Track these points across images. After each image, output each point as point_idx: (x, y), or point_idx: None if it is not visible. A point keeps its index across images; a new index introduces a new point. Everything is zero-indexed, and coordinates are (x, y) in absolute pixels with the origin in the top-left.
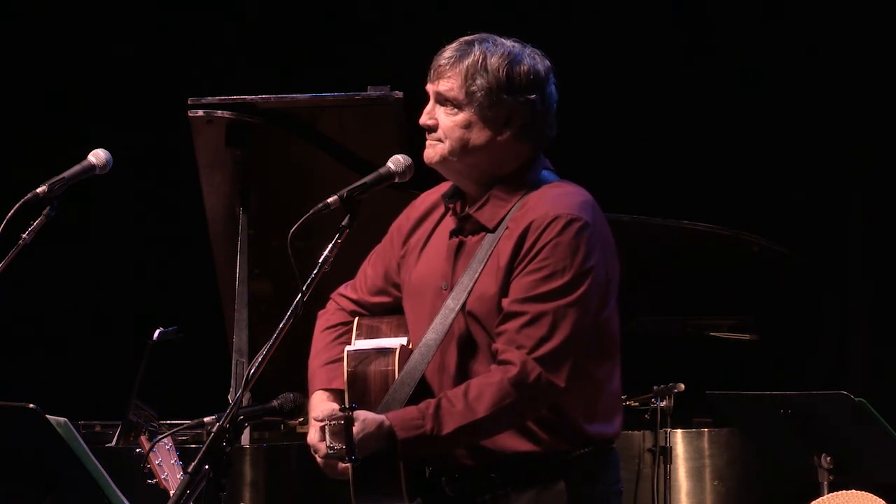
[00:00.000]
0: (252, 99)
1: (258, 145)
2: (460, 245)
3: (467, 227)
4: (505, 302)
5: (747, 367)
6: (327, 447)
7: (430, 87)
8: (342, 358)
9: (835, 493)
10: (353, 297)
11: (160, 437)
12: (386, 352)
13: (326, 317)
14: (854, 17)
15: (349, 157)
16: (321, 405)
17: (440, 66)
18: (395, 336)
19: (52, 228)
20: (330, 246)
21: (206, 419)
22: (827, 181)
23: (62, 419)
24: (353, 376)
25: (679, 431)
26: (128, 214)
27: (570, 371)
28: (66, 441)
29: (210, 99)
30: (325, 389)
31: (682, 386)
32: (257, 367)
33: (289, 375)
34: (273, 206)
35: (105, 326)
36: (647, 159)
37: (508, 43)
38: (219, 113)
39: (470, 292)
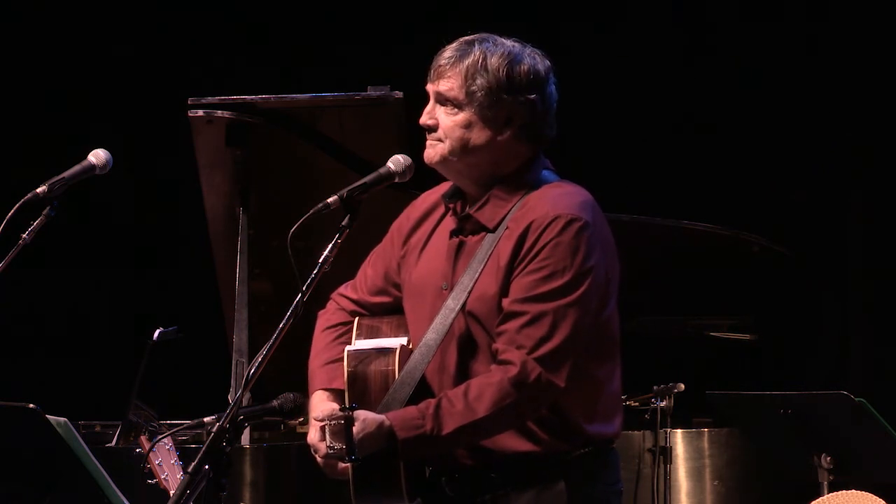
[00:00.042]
0: (252, 99)
1: (258, 145)
2: (460, 245)
3: (467, 227)
4: (505, 302)
5: (747, 367)
6: (327, 447)
7: (430, 87)
8: (342, 358)
9: (835, 493)
10: (354, 297)
11: (160, 437)
12: (386, 352)
13: (326, 317)
14: (854, 17)
15: (349, 157)
16: (321, 405)
17: (440, 65)
18: (396, 336)
19: (52, 228)
20: (330, 246)
21: (206, 419)
22: (827, 181)
23: (62, 419)
24: (353, 376)
25: (679, 431)
26: (128, 214)
27: (570, 371)
28: (66, 441)
29: (210, 99)
30: (326, 389)
31: (682, 386)
32: (257, 367)
33: (289, 375)
34: (273, 206)
35: (105, 326)
36: (647, 159)
37: (508, 43)
38: (219, 113)
39: (470, 292)
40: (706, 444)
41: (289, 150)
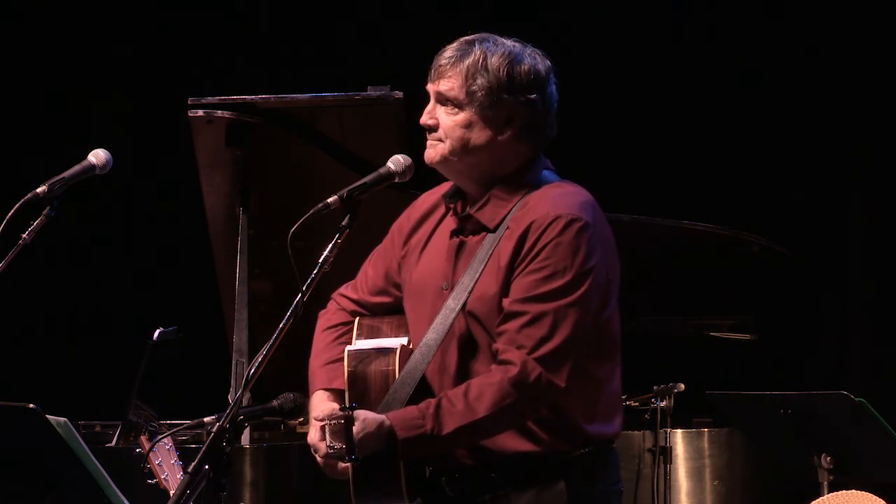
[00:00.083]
0: (252, 99)
1: (258, 145)
2: (461, 245)
3: (468, 227)
4: (505, 302)
5: (747, 367)
6: (327, 447)
7: (430, 87)
8: (343, 358)
9: (835, 493)
10: (354, 297)
11: (160, 437)
12: (386, 352)
13: (327, 317)
14: (854, 17)
15: (349, 157)
16: (321, 405)
17: (441, 65)
18: (396, 336)
19: (52, 228)
20: (330, 246)
21: (206, 419)
22: (827, 181)
23: (62, 419)
24: (353, 376)
25: (679, 431)
26: (128, 214)
27: (570, 371)
28: (66, 441)
29: (210, 99)
30: (326, 389)
31: (682, 386)
32: (257, 367)
33: (289, 375)
34: (273, 206)
35: (105, 326)
36: (647, 159)
37: (509, 43)
38: (219, 113)
39: (470, 292)
40: (706, 444)
41: (289, 150)
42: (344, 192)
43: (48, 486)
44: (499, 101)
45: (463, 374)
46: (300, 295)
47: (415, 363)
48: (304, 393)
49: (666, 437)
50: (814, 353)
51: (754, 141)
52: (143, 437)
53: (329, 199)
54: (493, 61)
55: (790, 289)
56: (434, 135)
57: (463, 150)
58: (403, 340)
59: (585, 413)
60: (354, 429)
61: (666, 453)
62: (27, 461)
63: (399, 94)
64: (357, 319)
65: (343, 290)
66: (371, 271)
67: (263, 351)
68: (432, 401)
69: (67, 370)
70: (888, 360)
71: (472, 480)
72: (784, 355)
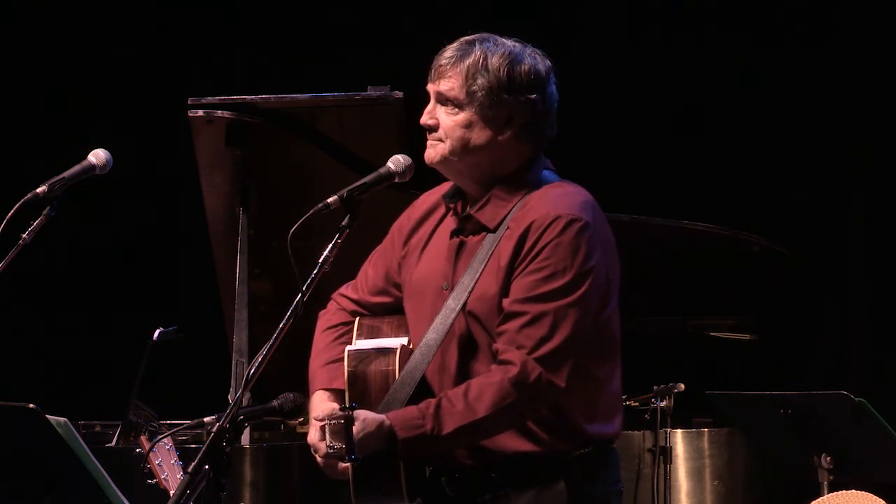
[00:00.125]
0: (252, 99)
1: (258, 145)
2: (461, 245)
3: (468, 227)
4: (505, 302)
5: (747, 367)
6: (327, 447)
7: (430, 87)
8: (343, 358)
9: (835, 493)
10: (354, 297)
11: (160, 437)
12: (386, 352)
13: (327, 317)
14: (854, 17)
15: (349, 157)
16: (321, 405)
17: (441, 65)
18: (396, 336)
19: (52, 228)
20: (330, 246)
21: (206, 419)
22: (827, 181)
23: (62, 419)
24: (353, 376)
25: (679, 431)
26: (128, 214)
27: (570, 371)
28: (66, 441)
29: (210, 99)
30: (326, 389)
31: (682, 386)
32: (257, 367)
33: (289, 375)
34: (273, 206)
35: (105, 327)
36: (647, 159)
37: (509, 43)
38: (219, 113)
39: (471, 292)
40: (706, 444)
41: (289, 150)
42: (344, 192)
43: (48, 486)
44: (499, 100)
45: (463, 374)
46: (300, 295)
47: (415, 363)
48: (304, 393)
49: (666, 437)
50: (814, 353)
51: (754, 141)
52: (143, 437)
53: (329, 199)
54: (494, 61)
55: (790, 289)
56: (434, 135)
57: (463, 150)
58: (403, 340)
59: (585, 413)
60: (354, 429)
61: (666, 453)
62: (27, 461)
63: (399, 94)
64: (357, 319)
65: (343, 290)
66: (371, 271)
67: (263, 351)
68: (432, 401)
69: (67, 370)
70: (888, 360)
71: (472, 480)
72: (784, 355)
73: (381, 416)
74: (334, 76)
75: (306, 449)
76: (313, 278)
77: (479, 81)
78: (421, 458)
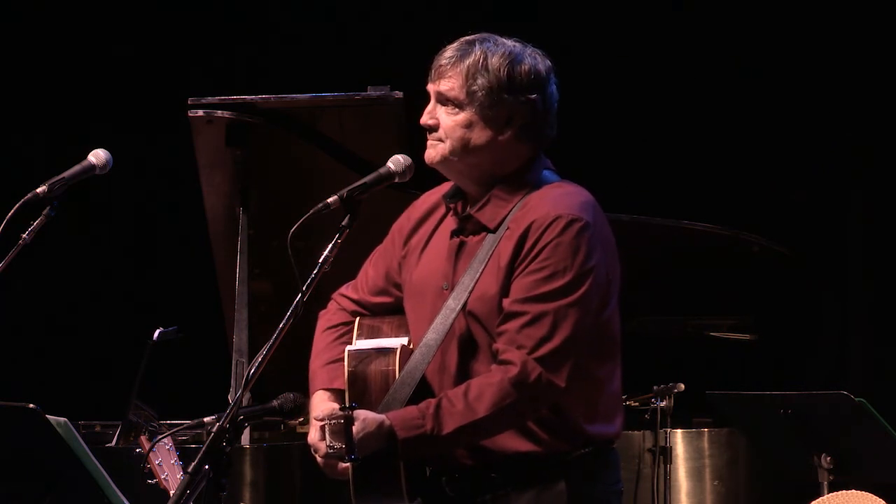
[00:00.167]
0: (252, 99)
1: (258, 145)
2: (461, 245)
3: (468, 228)
4: (506, 302)
5: (747, 367)
6: (327, 447)
7: (430, 87)
8: (343, 358)
9: (835, 493)
10: (355, 297)
11: (160, 437)
12: (386, 352)
13: (328, 317)
14: (854, 17)
15: (349, 157)
16: (322, 405)
17: (441, 65)
18: (396, 336)
19: (52, 228)
20: (330, 246)
21: (206, 419)
22: (827, 181)
23: (62, 419)
24: (353, 376)
25: (679, 431)
26: (128, 214)
27: (570, 371)
28: (66, 441)
29: (210, 99)
30: (326, 389)
31: (682, 386)
32: (257, 367)
33: (289, 375)
34: (273, 206)
35: (105, 327)
36: (647, 159)
37: (509, 43)
38: (219, 113)
39: (471, 292)
40: (706, 444)
41: (289, 150)
42: (344, 192)
43: (48, 486)
44: (499, 101)
45: (463, 374)
46: (300, 295)
47: (415, 363)
48: (304, 393)
49: (666, 437)
50: (814, 353)
51: (754, 141)
52: (143, 437)
53: (329, 199)
54: (494, 61)
55: (790, 289)
56: (434, 135)
57: (463, 150)
58: (404, 340)
59: (586, 413)
60: (354, 429)
61: (666, 453)
62: (27, 461)
63: (399, 94)
64: (357, 319)
65: (343, 290)
66: (371, 271)
67: (263, 351)
68: (432, 401)
69: (67, 370)
70: (888, 360)
71: (473, 480)
72: (784, 355)
73: (381, 416)
74: (334, 76)
75: (306, 449)
76: (313, 278)
77: (480, 81)
78: (421, 458)
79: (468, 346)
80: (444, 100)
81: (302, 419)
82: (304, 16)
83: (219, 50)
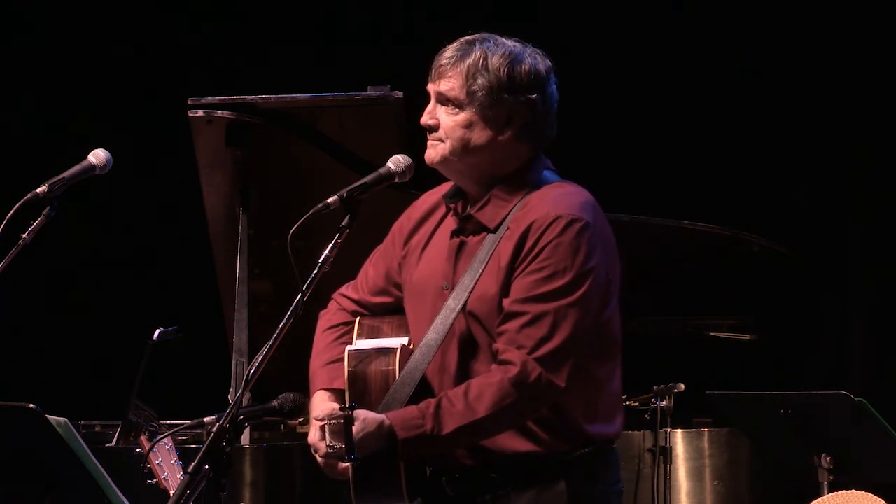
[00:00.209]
0: (252, 99)
1: (258, 145)
2: (461, 245)
3: (468, 228)
4: (506, 302)
5: (747, 367)
6: (327, 447)
7: (431, 87)
8: (343, 358)
9: (835, 493)
10: (355, 297)
11: (160, 437)
12: (387, 351)
13: (328, 317)
14: (854, 17)
15: (349, 157)
16: (322, 405)
17: (441, 65)
18: (396, 336)
19: (52, 228)
20: (330, 246)
21: (206, 419)
22: (827, 181)
23: (62, 419)
24: (353, 376)
25: (679, 431)
26: (128, 214)
27: (570, 371)
28: (66, 441)
29: (210, 99)
30: (326, 389)
31: (682, 386)
32: (257, 367)
33: (289, 375)
34: (273, 206)
35: (105, 327)
36: (647, 159)
37: (509, 43)
38: (219, 113)
39: (471, 292)
40: (706, 444)
41: (289, 150)
42: (344, 192)
43: (48, 486)
44: (499, 100)
45: (463, 374)
46: (300, 295)
47: (415, 363)
48: (305, 393)
49: (666, 437)
50: (814, 353)
51: (754, 141)
52: (143, 437)
53: (329, 199)
54: (494, 61)
55: (790, 289)
56: (434, 135)
57: (463, 150)
58: (404, 340)
59: (586, 413)
60: (354, 429)
61: (666, 453)
62: (27, 461)
63: (399, 94)
64: (358, 319)
65: (344, 290)
66: (372, 271)
67: (263, 351)
68: (432, 401)
69: (67, 370)
70: (888, 360)
71: (473, 480)
72: (784, 355)
73: (381, 416)
74: (334, 76)
75: (306, 449)
76: (313, 278)
77: (480, 81)
78: (421, 458)
79: (468, 346)
80: (444, 100)
81: (302, 419)
82: (304, 16)
83: (219, 50)
